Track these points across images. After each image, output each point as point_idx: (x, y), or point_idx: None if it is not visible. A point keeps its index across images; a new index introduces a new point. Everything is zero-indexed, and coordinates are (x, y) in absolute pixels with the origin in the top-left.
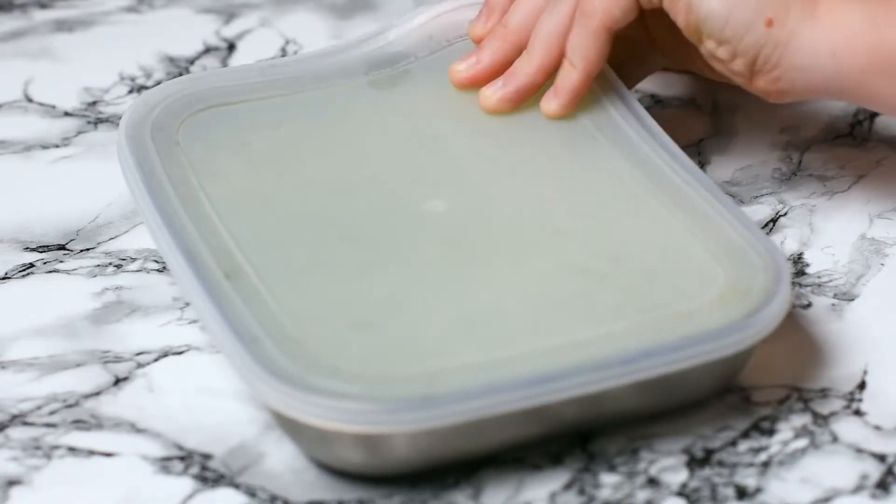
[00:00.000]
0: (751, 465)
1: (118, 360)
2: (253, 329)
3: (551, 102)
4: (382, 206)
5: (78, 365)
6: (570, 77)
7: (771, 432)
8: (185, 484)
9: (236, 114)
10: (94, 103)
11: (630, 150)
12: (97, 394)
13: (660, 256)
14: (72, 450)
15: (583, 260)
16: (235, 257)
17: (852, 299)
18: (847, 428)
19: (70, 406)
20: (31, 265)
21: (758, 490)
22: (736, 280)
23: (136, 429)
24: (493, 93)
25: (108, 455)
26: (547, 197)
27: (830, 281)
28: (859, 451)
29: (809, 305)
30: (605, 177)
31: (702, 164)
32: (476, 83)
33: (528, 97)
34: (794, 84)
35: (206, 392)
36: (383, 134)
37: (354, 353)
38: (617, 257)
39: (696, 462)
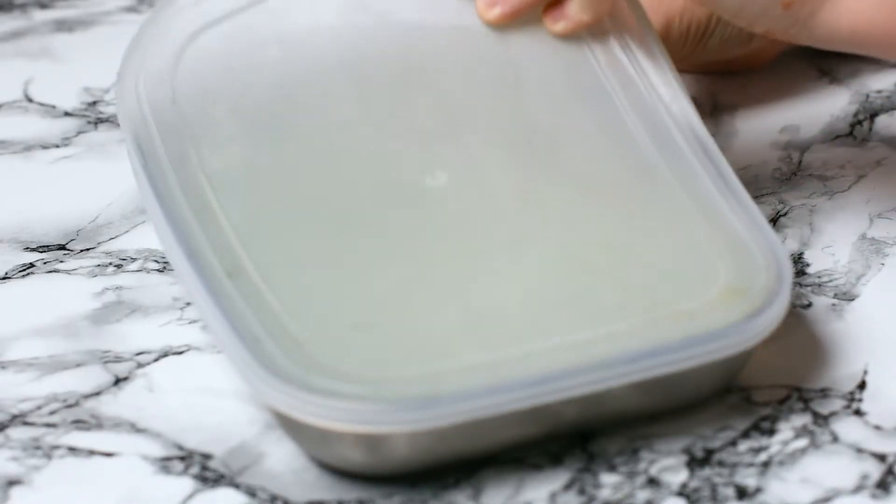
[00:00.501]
0: (751, 465)
1: (118, 360)
2: (255, 330)
3: (558, 23)
4: (383, 183)
5: (78, 365)
6: (579, 15)
7: (771, 432)
8: (185, 484)
9: (226, 43)
10: (94, 103)
11: (646, 113)
12: (97, 394)
13: (663, 250)
14: (72, 450)
15: (586, 251)
16: (237, 253)
17: (852, 299)
18: (847, 428)
19: (70, 406)
20: (31, 265)
21: (758, 490)
22: (737, 279)
23: (136, 429)
24: (491, 6)
25: (108, 455)
26: (552, 169)
27: (830, 281)
28: (859, 451)
29: (809, 305)
30: (616, 146)
31: None
32: None
33: (526, 13)
34: (815, 45)
35: (206, 392)
36: (381, 76)
37: (356, 354)
38: (620, 249)
39: (696, 462)
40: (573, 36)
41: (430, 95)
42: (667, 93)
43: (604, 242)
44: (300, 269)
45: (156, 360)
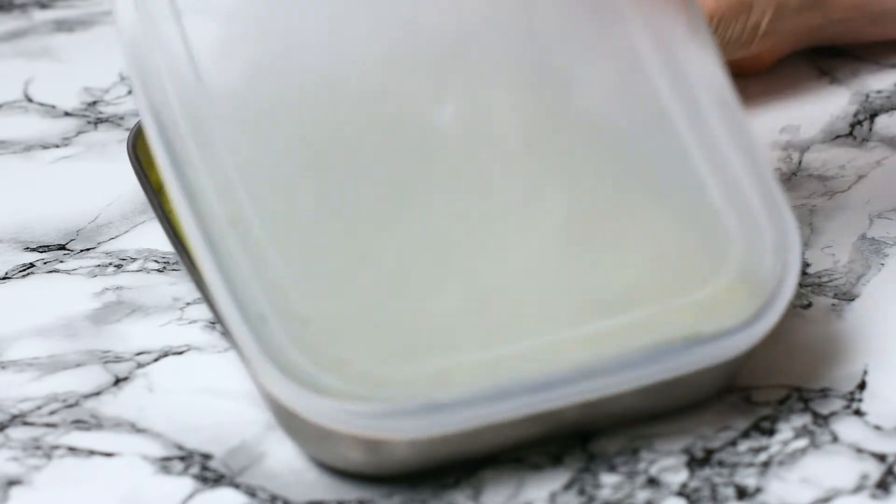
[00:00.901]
0: (751, 465)
1: (118, 360)
2: (260, 306)
3: None
4: (389, 119)
5: (78, 365)
6: None
7: (771, 432)
8: (185, 484)
9: None
10: (94, 103)
11: (677, 74)
12: (97, 394)
13: (671, 225)
14: (72, 450)
15: (593, 231)
16: (239, 199)
17: (852, 299)
18: (847, 428)
19: (70, 406)
20: (32, 265)
21: (758, 490)
22: (741, 275)
23: (136, 429)
24: None
25: (108, 455)
26: (560, 115)
27: (830, 281)
28: (859, 451)
29: (809, 305)
30: (630, 89)
31: None
32: None
33: None
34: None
35: (206, 392)
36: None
37: (360, 347)
38: (627, 233)
39: (696, 462)
40: None
41: (440, 20)
42: (695, 47)
43: (611, 214)
44: (304, 225)
45: (156, 360)
